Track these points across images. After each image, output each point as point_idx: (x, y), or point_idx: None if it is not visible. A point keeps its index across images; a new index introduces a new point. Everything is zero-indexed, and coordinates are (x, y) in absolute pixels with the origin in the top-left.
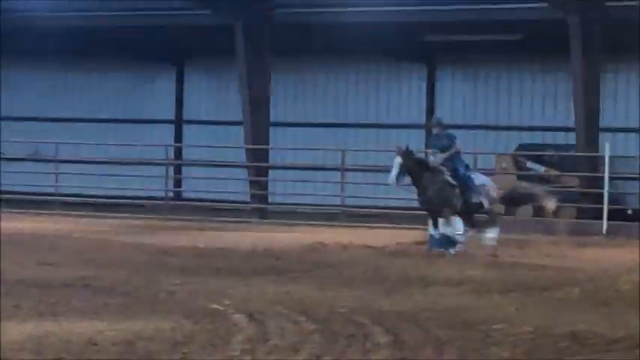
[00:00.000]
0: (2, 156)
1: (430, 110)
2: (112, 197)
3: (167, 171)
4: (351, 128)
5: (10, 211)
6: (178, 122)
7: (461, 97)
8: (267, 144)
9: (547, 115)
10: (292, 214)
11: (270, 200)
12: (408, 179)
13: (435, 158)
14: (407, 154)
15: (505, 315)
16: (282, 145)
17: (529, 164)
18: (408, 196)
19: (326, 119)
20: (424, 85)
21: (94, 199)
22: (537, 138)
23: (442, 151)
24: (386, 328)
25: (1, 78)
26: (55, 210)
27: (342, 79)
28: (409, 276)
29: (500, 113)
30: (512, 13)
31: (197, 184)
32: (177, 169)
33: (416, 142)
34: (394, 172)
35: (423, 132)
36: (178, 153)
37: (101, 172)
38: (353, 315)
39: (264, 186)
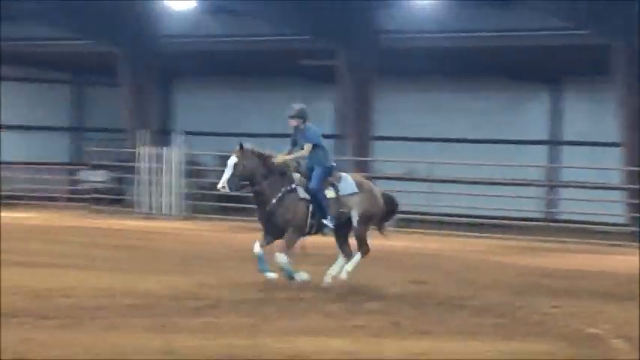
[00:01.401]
0: (374, 174)
1: None
2: (487, 217)
3: (542, 192)
4: None
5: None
6: (554, 143)
7: None
8: None
9: None
10: None
11: None
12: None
13: (277, 157)
14: (244, 152)
15: None
16: None
17: None
18: None
19: None
20: None
21: (469, 219)
22: None
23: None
24: None
25: (379, 98)
26: (429, 229)
27: None
28: None
29: None
30: None
31: (572, 205)
32: (552, 190)
33: None
34: (226, 174)
35: None
36: (552, 174)
37: (476, 192)
38: None
39: None
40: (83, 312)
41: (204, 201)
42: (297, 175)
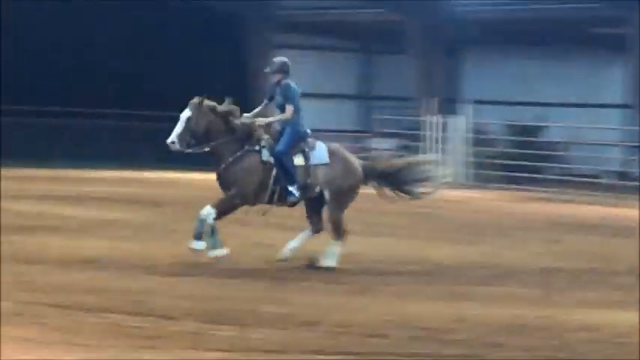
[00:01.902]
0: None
1: None
2: None
3: None
4: None
5: None
6: None
7: None
8: None
9: None
10: None
11: None
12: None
13: (256, 120)
14: (200, 107)
15: None
16: None
17: None
18: None
19: None
20: None
21: None
22: None
23: (279, 108)
24: None
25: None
26: None
27: None
28: None
29: None
30: None
31: None
32: None
33: None
34: (177, 129)
35: None
36: None
37: None
38: None
39: None
40: (371, 278)
41: (490, 170)
42: (265, 136)
